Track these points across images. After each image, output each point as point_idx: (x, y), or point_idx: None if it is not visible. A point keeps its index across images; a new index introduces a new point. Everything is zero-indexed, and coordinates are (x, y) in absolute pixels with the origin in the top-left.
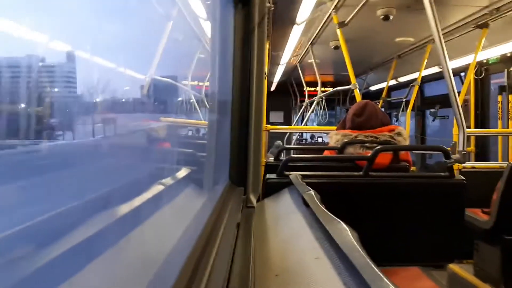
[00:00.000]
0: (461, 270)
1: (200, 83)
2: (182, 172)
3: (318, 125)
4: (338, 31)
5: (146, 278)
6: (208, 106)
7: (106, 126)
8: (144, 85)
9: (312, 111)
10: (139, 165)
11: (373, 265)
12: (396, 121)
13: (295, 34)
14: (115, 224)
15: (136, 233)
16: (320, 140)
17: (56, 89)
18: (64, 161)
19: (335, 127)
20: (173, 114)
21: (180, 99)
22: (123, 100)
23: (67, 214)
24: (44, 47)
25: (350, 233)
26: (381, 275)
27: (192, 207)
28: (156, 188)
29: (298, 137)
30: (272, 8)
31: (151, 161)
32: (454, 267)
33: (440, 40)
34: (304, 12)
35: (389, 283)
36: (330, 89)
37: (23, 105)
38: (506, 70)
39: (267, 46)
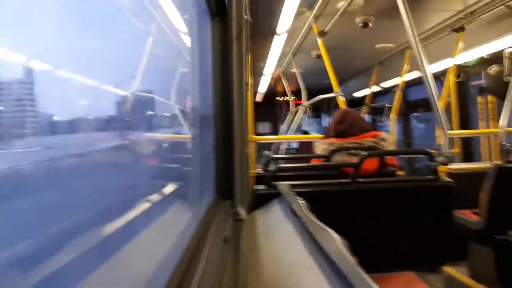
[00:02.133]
0: (456, 272)
1: (184, 97)
2: (165, 189)
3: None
4: (319, 40)
5: None
6: (191, 120)
7: (88, 143)
8: (126, 100)
9: (300, 120)
10: (118, 182)
11: (363, 273)
12: (382, 126)
13: (277, 44)
14: (96, 245)
15: (118, 253)
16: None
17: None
18: (41, 180)
19: (321, 136)
20: (156, 128)
21: (163, 113)
22: (104, 116)
23: (43, 239)
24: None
25: (339, 242)
26: (371, 282)
27: (176, 224)
28: (137, 207)
29: (287, 146)
30: (250, 20)
31: (131, 178)
32: (449, 269)
33: (417, 45)
34: (284, 23)
35: None
36: (315, 98)
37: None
38: (483, 72)
39: (249, 57)
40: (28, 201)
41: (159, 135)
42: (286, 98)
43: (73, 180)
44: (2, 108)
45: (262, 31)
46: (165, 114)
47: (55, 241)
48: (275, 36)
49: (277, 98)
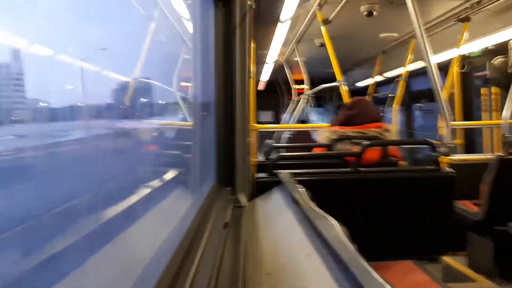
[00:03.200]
0: (455, 262)
1: (186, 84)
2: (166, 175)
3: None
4: (323, 28)
5: (129, 279)
6: (193, 107)
7: (89, 129)
8: (128, 87)
9: (302, 109)
10: (120, 168)
11: (362, 260)
12: (385, 116)
13: (280, 32)
14: (99, 227)
15: (119, 236)
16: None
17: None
18: (51, 163)
19: (326, 125)
20: (158, 115)
21: (165, 100)
22: (106, 102)
23: (47, 218)
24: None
25: (340, 229)
26: (370, 269)
27: (176, 210)
28: (138, 192)
29: (291, 136)
30: (253, 6)
31: (133, 164)
32: (447, 259)
33: (421, 34)
34: (288, 10)
35: (378, 277)
36: (318, 87)
37: None
38: (488, 63)
39: (252, 45)
40: (30, 183)
41: (160, 122)
42: (289, 87)
43: (77, 166)
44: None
45: (265, 18)
46: (166, 101)
47: (59, 224)
48: (279, 24)
49: (280, 86)
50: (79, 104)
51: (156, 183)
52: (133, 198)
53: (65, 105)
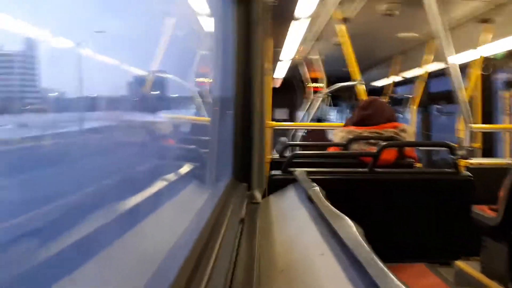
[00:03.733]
0: (468, 267)
1: (204, 80)
2: (184, 169)
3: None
4: (341, 27)
5: (148, 272)
6: (211, 103)
7: (110, 123)
8: (147, 81)
9: (318, 108)
10: (139, 161)
11: (378, 261)
12: (402, 117)
13: (297, 29)
14: (119, 219)
15: (139, 228)
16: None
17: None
18: (68, 154)
19: (341, 124)
20: (176, 110)
21: (183, 95)
22: (126, 97)
23: (67, 211)
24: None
25: (355, 229)
26: (386, 270)
27: (194, 203)
28: (158, 184)
29: (304, 133)
30: (273, 4)
31: (152, 158)
32: (460, 264)
33: (443, 35)
34: (307, 8)
35: (395, 279)
36: (335, 85)
37: None
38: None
39: (270, 42)
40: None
41: (179, 116)
42: (306, 85)
43: (96, 157)
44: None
45: (284, 16)
46: (184, 96)
47: (77, 215)
48: (297, 22)
49: (297, 84)
50: (96, 95)
51: (174, 176)
52: (153, 190)
53: (83, 97)
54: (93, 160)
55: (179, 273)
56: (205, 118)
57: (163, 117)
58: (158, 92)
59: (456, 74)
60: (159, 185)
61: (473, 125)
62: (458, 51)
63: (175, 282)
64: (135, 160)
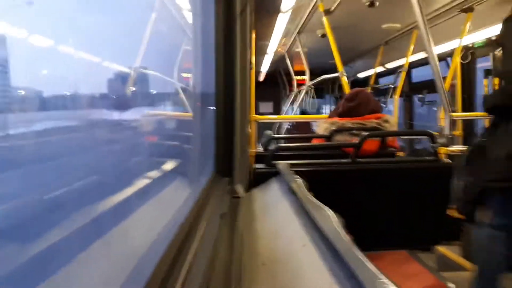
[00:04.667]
0: (449, 251)
1: (187, 75)
2: (165, 165)
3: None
4: (324, 19)
5: (127, 266)
6: (193, 97)
7: (89, 120)
8: (128, 78)
9: (302, 100)
10: (120, 158)
11: (357, 250)
12: (385, 107)
13: (281, 22)
14: (98, 217)
15: (118, 226)
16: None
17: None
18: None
19: (325, 116)
20: (157, 106)
21: (165, 91)
22: (106, 93)
23: (45, 209)
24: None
25: (335, 220)
26: (364, 259)
27: (175, 200)
28: (138, 181)
29: (289, 126)
30: None
31: (133, 155)
32: (441, 248)
33: (424, 25)
34: (289, 0)
35: (373, 267)
36: (319, 78)
37: None
38: (491, 54)
39: (253, 35)
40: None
41: (160, 112)
42: (290, 78)
43: (75, 155)
44: None
45: (266, 8)
46: (166, 91)
47: (54, 214)
48: (280, 14)
49: (281, 77)
50: (77, 93)
51: (155, 173)
52: (133, 189)
53: (59, 94)
54: (76, 158)
55: (157, 267)
56: (188, 114)
57: (145, 113)
58: (139, 89)
59: (435, 63)
60: (139, 183)
61: (453, 114)
62: (441, 40)
63: (152, 275)
64: (115, 158)
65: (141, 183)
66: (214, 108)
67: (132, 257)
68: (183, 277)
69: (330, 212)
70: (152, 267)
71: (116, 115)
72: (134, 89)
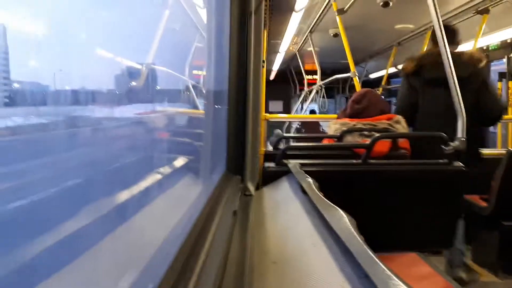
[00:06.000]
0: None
1: (199, 72)
2: (178, 162)
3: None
4: (338, 18)
5: (140, 263)
6: (205, 95)
7: (103, 115)
8: (140, 74)
9: (312, 100)
10: (132, 155)
11: (369, 251)
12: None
13: (294, 21)
14: (112, 212)
15: (130, 222)
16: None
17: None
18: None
19: (335, 116)
20: (170, 103)
21: (177, 88)
22: (119, 89)
23: (62, 203)
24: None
25: (347, 220)
26: (377, 260)
27: (188, 197)
28: (150, 178)
29: (298, 126)
30: None
31: (145, 151)
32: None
33: (439, 26)
34: None
35: (385, 268)
36: (330, 78)
37: None
38: (506, 56)
39: (265, 34)
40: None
41: (173, 110)
42: (300, 77)
43: (89, 151)
44: None
45: (280, 7)
46: (178, 88)
47: (66, 210)
48: (293, 13)
49: (291, 76)
50: (87, 89)
51: (168, 169)
52: (147, 184)
53: (66, 89)
54: (89, 154)
55: (172, 264)
56: (199, 111)
57: (157, 110)
58: (151, 85)
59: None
60: (152, 178)
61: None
62: None
63: (167, 271)
64: (127, 153)
65: (155, 179)
66: (227, 105)
67: (147, 254)
68: (197, 273)
69: (342, 213)
70: (167, 263)
71: (127, 111)
72: (147, 85)
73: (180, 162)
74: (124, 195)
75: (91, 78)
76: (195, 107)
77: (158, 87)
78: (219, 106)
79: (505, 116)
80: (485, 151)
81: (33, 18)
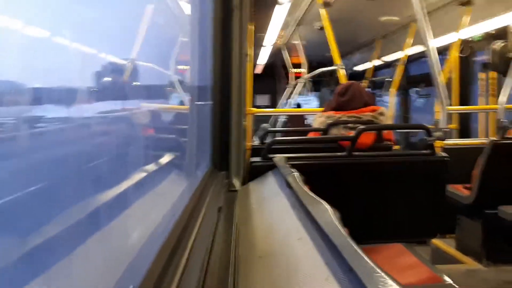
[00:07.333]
0: (444, 244)
1: (183, 67)
2: (162, 159)
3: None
4: (323, 11)
5: (123, 261)
6: (189, 90)
7: (85, 111)
8: (123, 70)
9: (298, 93)
10: (116, 151)
11: (353, 244)
12: (380, 100)
13: (280, 14)
14: (94, 211)
15: (112, 220)
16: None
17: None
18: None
19: (321, 109)
20: (154, 99)
21: (161, 83)
22: (102, 85)
23: (43, 201)
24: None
25: (331, 213)
26: (360, 252)
27: (172, 195)
28: (133, 175)
29: (285, 119)
30: None
31: (129, 148)
32: (437, 241)
33: (423, 18)
34: None
35: (368, 260)
36: (316, 71)
37: None
38: (487, 48)
39: (250, 27)
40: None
41: (156, 105)
42: (287, 71)
43: (71, 149)
44: None
45: (265, 1)
46: (163, 84)
47: (50, 209)
48: (278, 6)
49: (278, 69)
50: (72, 86)
51: (152, 167)
52: (130, 182)
53: (56, 87)
54: (67, 152)
55: (154, 261)
56: (184, 107)
57: (142, 106)
58: (135, 81)
59: (434, 56)
60: (135, 176)
61: (448, 107)
62: (439, 34)
63: (150, 268)
64: (111, 151)
65: (138, 176)
66: (211, 100)
67: (130, 251)
68: (180, 270)
69: (326, 206)
70: (150, 260)
71: (110, 107)
72: (129, 81)
73: (164, 159)
74: (106, 194)
75: (70, 74)
76: (181, 102)
77: (142, 83)
78: (204, 102)
79: (486, 106)
80: (467, 140)
81: (16, 15)
